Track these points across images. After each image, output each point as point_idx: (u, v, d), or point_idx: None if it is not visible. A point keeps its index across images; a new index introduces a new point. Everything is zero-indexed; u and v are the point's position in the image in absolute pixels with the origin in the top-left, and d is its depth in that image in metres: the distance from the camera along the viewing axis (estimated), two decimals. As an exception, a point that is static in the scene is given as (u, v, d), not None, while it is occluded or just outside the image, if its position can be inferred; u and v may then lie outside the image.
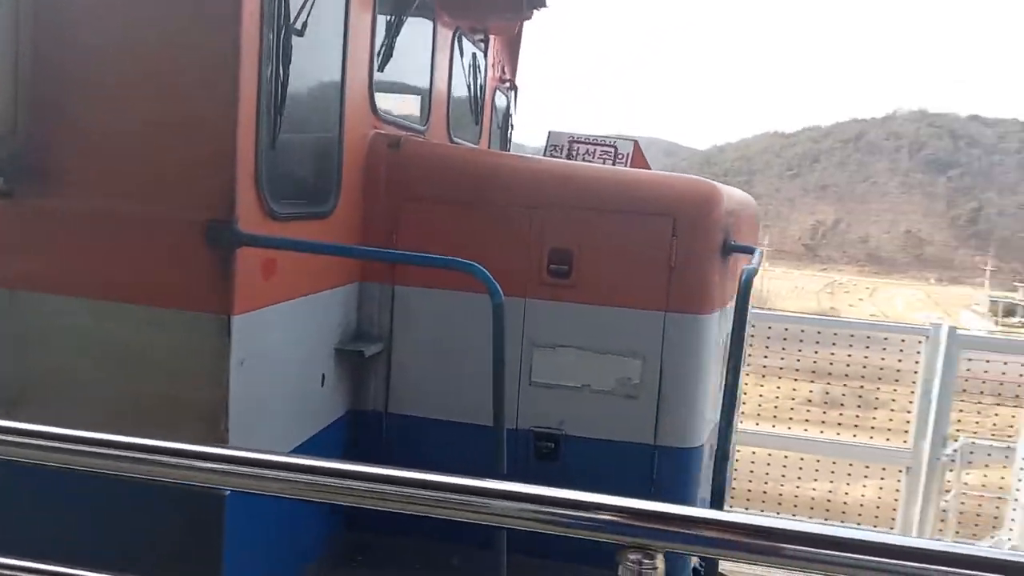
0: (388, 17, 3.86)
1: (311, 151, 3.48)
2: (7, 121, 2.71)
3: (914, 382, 6.89)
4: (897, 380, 7.07)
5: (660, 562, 1.40)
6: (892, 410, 7.37)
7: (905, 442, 7.02)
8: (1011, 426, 8.00)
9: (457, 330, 3.65)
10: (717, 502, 3.17)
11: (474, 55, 5.27)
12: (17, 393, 2.93)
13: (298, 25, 2.95)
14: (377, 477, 1.57)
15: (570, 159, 4.76)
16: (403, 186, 3.70)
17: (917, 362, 6.86)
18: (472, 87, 5.28)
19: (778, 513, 6.97)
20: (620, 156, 4.82)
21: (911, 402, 6.94)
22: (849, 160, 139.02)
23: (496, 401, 2.87)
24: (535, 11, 4.80)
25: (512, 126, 6.39)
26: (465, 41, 5.01)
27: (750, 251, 3.81)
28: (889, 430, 7.19)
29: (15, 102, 2.73)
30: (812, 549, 1.39)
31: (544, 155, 4.84)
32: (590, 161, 4.80)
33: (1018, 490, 7.35)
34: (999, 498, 7.65)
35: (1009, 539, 7.47)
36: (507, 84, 6.17)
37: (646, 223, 3.50)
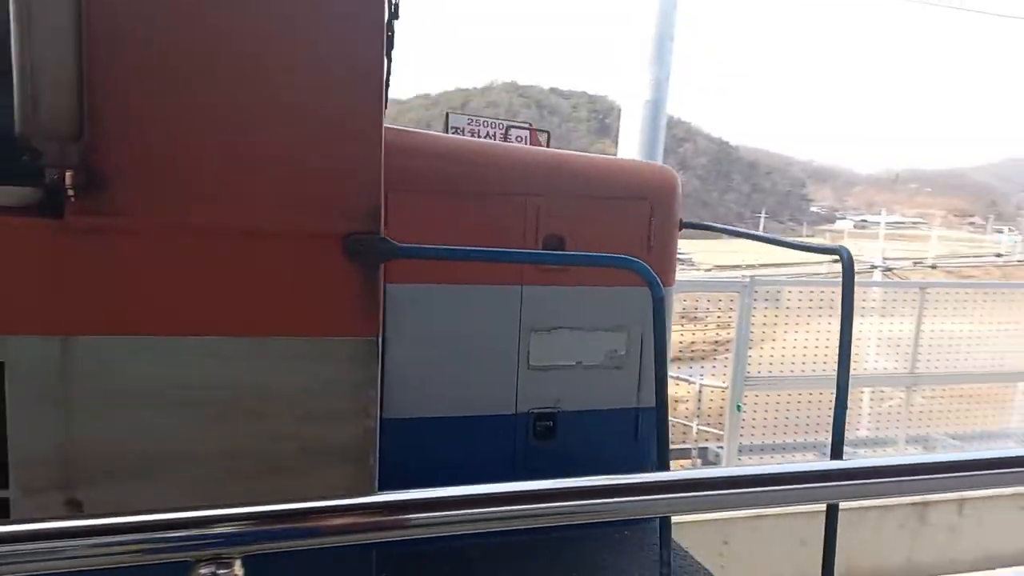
0: None
1: None
2: (69, 120, 2.03)
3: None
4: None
5: (239, 568, 1.26)
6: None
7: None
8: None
9: (458, 323, 3.43)
10: (838, 448, 3.29)
11: None
12: (98, 468, 2.19)
13: (395, 9, 2.63)
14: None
15: (507, 140, 4.58)
16: (386, 176, 3.21)
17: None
18: None
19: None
20: (520, 138, 4.67)
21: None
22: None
23: (660, 399, 2.81)
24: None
25: None
26: None
27: (698, 227, 4.22)
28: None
29: (80, 96, 2.04)
30: (431, 514, 1.36)
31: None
32: (522, 142, 4.64)
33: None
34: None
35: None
36: None
37: (628, 207, 3.72)
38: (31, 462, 2.13)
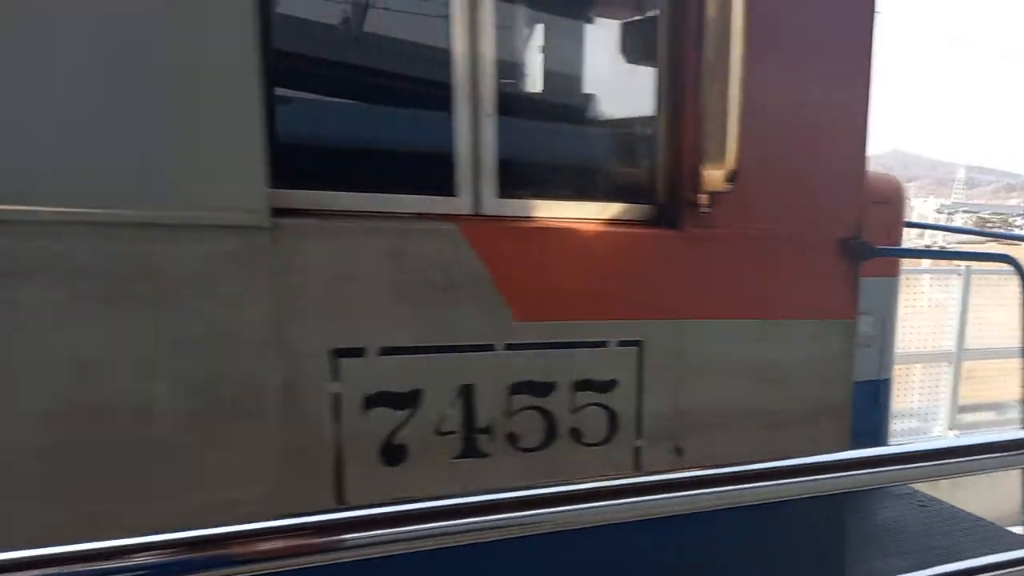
0: None
1: None
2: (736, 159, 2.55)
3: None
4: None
5: None
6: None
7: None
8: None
9: None
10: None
11: None
12: (694, 422, 2.76)
13: None
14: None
15: None
16: None
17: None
18: None
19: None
20: None
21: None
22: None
23: None
24: None
25: None
26: None
27: (918, 225, 5.28)
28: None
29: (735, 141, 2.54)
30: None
31: None
32: None
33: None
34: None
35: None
36: None
37: (879, 209, 4.17)
38: (657, 417, 2.64)
